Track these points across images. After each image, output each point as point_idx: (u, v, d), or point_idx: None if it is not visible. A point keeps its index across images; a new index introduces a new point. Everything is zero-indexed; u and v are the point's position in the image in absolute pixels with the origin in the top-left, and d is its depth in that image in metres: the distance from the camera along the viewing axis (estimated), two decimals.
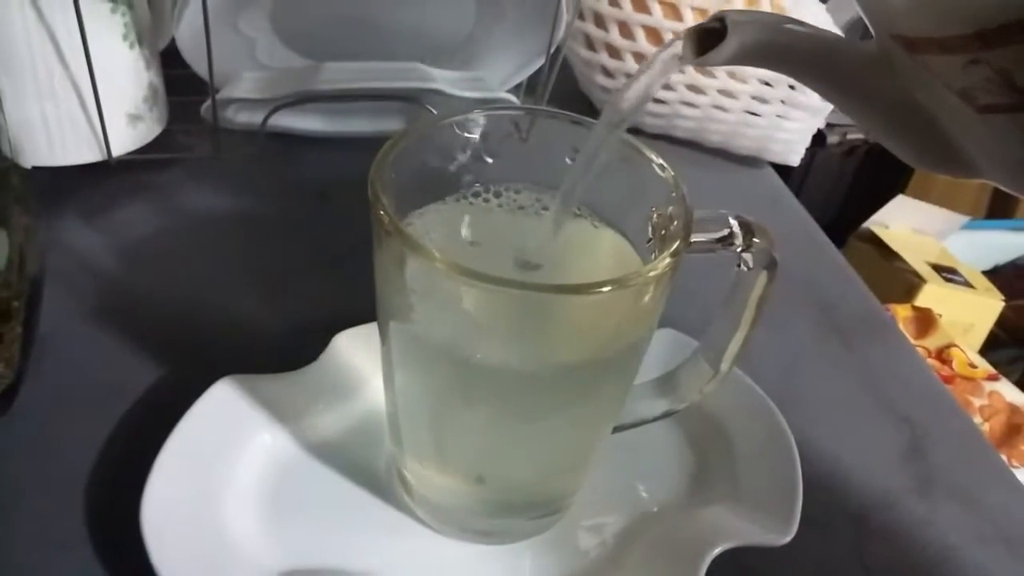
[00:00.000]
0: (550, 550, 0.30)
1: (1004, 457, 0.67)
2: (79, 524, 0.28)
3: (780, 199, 0.54)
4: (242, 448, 0.30)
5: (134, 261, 0.39)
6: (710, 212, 0.25)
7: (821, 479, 0.34)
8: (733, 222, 0.25)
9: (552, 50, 0.44)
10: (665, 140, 0.55)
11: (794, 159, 0.54)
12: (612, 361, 0.25)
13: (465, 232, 0.28)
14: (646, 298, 0.23)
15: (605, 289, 0.22)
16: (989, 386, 0.80)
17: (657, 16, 0.49)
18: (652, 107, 0.52)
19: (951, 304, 1.00)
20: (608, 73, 0.52)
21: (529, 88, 0.48)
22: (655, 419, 0.30)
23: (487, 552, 0.29)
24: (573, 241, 0.28)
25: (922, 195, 1.17)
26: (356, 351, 0.33)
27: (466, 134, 0.28)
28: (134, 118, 0.41)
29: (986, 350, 0.98)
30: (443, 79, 0.45)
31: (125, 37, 0.39)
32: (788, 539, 0.29)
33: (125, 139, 0.41)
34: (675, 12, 0.49)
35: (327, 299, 0.38)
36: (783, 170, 0.55)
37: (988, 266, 1.16)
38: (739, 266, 0.26)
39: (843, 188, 1.28)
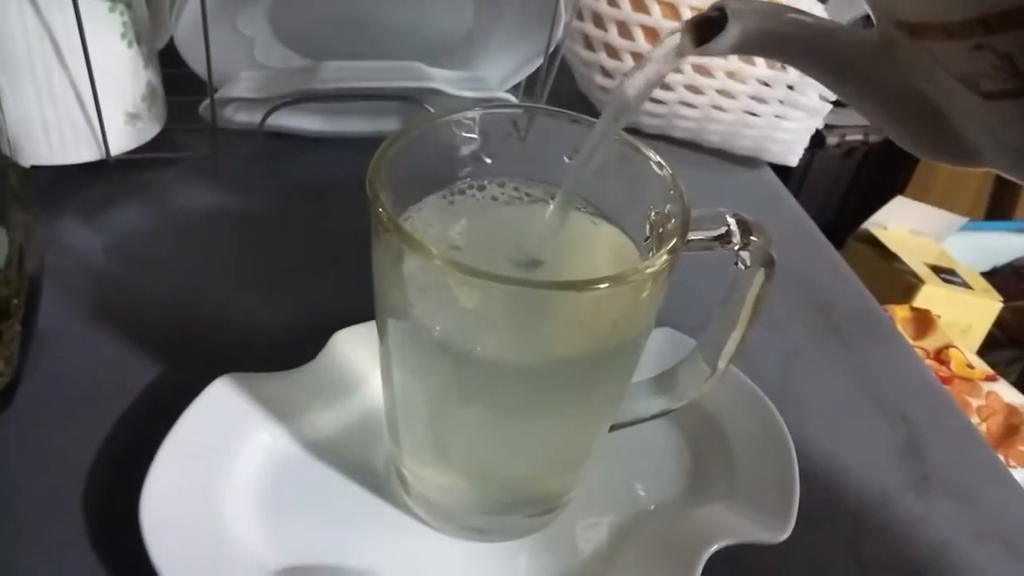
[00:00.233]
0: (547, 548, 0.30)
1: (1002, 457, 0.67)
2: (78, 522, 0.28)
3: (778, 199, 0.54)
4: (241, 446, 0.30)
5: (132, 259, 0.40)
6: (707, 210, 0.25)
7: (818, 477, 0.34)
8: (730, 220, 0.25)
9: (551, 50, 0.44)
10: (664, 140, 0.55)
11: (792, 159, 0.54)
12: (610, 357, 0.25)
13: (464, 226, 0.28)
14: (643, 295, 0.24)
15: (603, 286, 0.22)
16: (987, 387, 0.80)
17: (656, 16, 0.49)
18: (651, 107, 0.53)
19: (949, 305, 1.00)
20: (607, 73, 0.53)
21: (528, 88, 0.49)
22: (652, 417, 0.30)
23: (485, 550, 0.29)
24: (574, 236, 0.28)
25: (921, 196, 1.18)
26: (354, 349, 0.33)
27: (464, 132, 0.28)
28: (132, 117, 0.41)
29: (984, 351, 0.99)
30: (442, 78, 0.45)
31: (123, 36, 0.39)
32: (785, 537, 0.29)
33: (123, 138, 0.41)
34: (674, 12, 0.49)
35: (325, 298, 0.38)
36: (783, 171, 0.55)
37: (986, 267, 1.17)
38: (737, 264, 0.26)
39: (842, 189, 1.28)
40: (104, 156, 0.41)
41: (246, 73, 0.44)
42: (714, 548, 0.28)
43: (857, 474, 0.35)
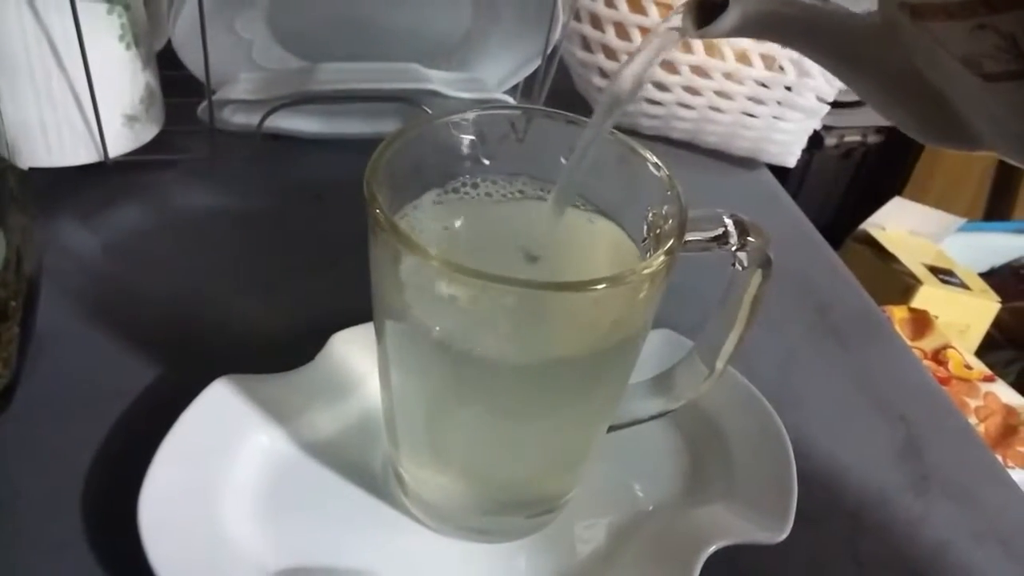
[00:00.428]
0: (546, 548, 0.30)
1: (1000, 458, 0.67)
2: (76, 523, 0.28)
3: (776, 200, 0.54)
4: (239, 447, 0.30)
5: (131, 261, 0.40)
6: (705, 211, 0.25)
7: (816, 477, 0.34)
8: (728, 221, 0.25)
9: (548, 51, 0.44)
10: (662, 142, 0.55)
11: (790, 160, 0.55)
12: (608, 357, 0.26)
13: (461, 225, 0.28)
14: (641, 295, 0.24)
15: (600, 286, 0.22)
16: (985, 387, 0.80)
17: (653, 17, 0.49)
18: (648, 108, 0.53)
19: (947, 306, 1.00)
20: (604, 74, 0.53)
21: (525, 89, 0.49)
22: (650, 418, 0.30)
23: (483, 550, 0.29)
24: (572, 234, 0.28)
25: (919, 197, 1.18)
26: (352, 351, 0.33)
27: (462, 134, 0.28)
28: (131, 119, 0.41)
29: (982, 352, 0.99)
30: (439, 80, 0.45)
31: (121, 38, 0.39)
32: (783, 537, 0.29)
33: (122, 140, 0.41)
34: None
35: (323, 299, 0.38)
36: (781, 172, 0.55)
37: (984, 268, 1.17)
38: (734, 265, 0.26)
39: (840, 190, 1.28)
40: (102, 158, 0.41)
41: (244, 75, 0.44)
42: (712, 548, 0.28)
43: (855, 474, 0.35)
